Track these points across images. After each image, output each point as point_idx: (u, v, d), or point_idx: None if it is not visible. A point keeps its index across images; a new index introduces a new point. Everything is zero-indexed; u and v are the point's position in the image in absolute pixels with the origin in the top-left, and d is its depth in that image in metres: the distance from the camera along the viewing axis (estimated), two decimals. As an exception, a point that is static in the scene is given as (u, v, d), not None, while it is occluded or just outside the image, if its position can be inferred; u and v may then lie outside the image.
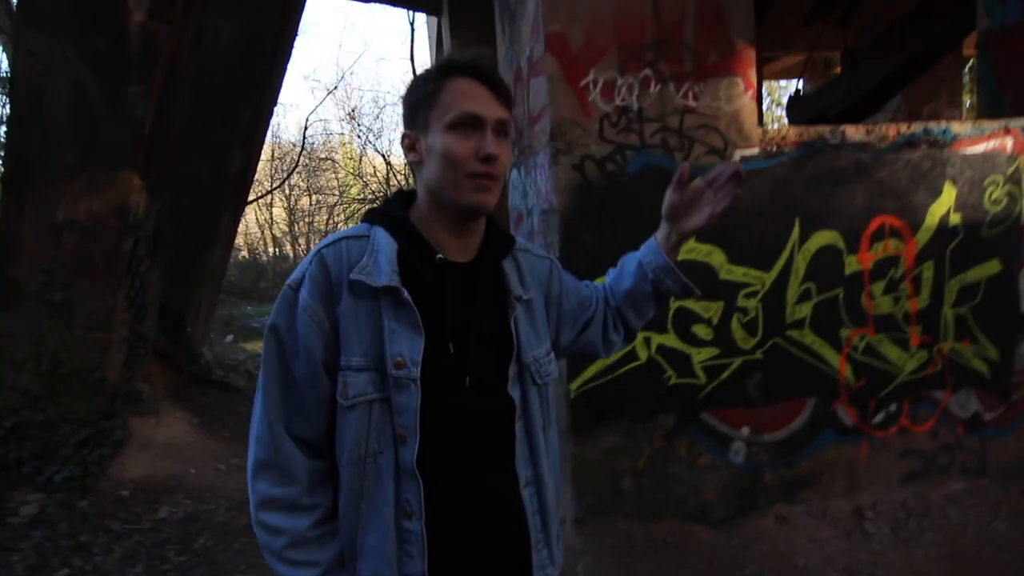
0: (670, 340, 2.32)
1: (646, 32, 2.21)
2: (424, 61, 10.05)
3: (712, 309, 2.33)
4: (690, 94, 2.25)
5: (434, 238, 0.87)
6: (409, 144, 0.89)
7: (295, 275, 0.86)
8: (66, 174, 3.54)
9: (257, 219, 15.78)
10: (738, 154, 2.28)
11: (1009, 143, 2.46)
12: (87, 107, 3.52)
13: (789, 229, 2.35)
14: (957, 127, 2.43)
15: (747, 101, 2.29)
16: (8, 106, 3.57)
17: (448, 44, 5.69)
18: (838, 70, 7.58)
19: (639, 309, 1.10)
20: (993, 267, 2.50)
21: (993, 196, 2.47)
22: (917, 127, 2.39)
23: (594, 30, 2.18)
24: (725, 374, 2.36)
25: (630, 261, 1.09)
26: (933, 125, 2.41)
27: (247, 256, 15.67)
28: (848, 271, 2.40)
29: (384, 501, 0.83)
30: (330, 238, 0.88)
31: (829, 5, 5.81)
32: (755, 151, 2.29)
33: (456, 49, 5.26)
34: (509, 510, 0.92)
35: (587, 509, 2.31)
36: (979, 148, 2.44)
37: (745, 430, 2.39)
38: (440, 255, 0.86)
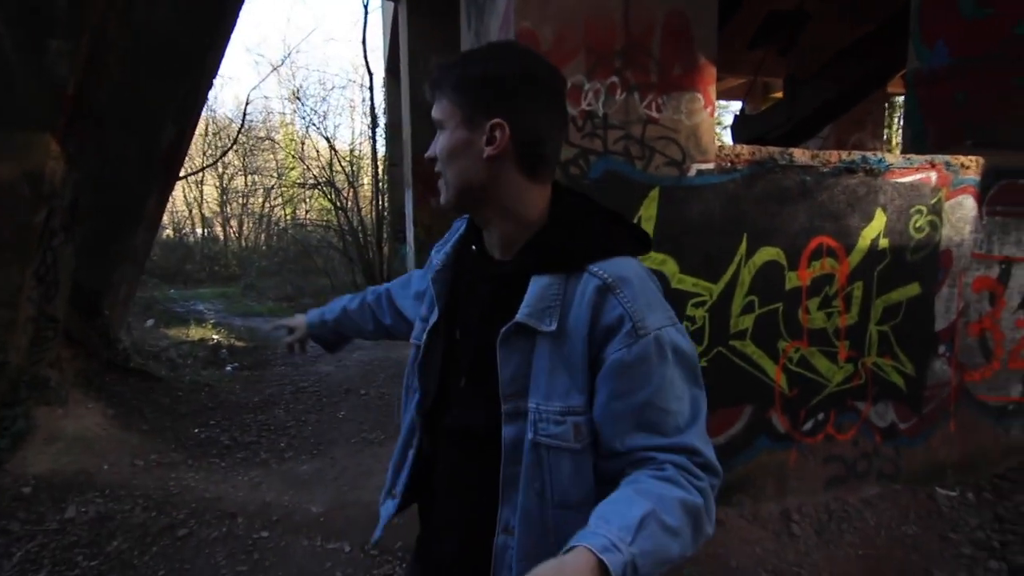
0: (621, 345, 2.35)
1: (616, 39, 2.23)
2: (376, 45, 9.78)
3: (663, 317, 2.39)
4: (653, 105, 2.29)
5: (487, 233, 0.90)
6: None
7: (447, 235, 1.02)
8: (-30, 134, 3.17)
9: (185, 197, 14.83)
10: (695, 167, 2.35)
11: (934, 176, 2.67)
12: (2, 60, 3.17)
13: (737, 243, 2.45)
14: (891, 158, 2.61)
15: (706, 116, 2.36)
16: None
17: (405, 31, 5.55)
18: (776, 95, 8.04)
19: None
20: (914, 289, 2.71)
21: (917, 224, 2.67)
22: (856, 155, 2.55)
23: (565, 31, 2.18)
24: (672, 380, 2.42)
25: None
26: (871, 154, 2.58)
27: (173, 236, 14.69)
28: (788, 286, 2.53)
29: (408, 424, 0.99)
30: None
31: (771, 34, 6.15)
32: (711, 165, 2.37)
33: (419, 40, 5.13)
34: (479, 540, 0.82)
35: None
36: (907, 179, 2.63)
37: (687, 435, 2.46)
38: (475, 246, 0.90)
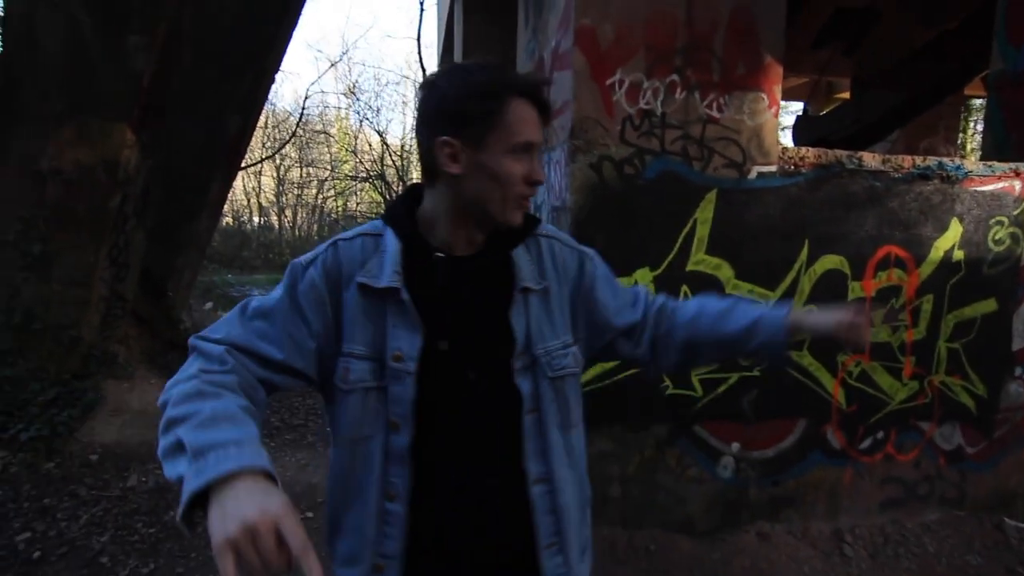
0: (670, 350, 2.30)
1: (677, 37, 2.18)
2: (431, 41, 9.91)
3: (715, 322, 2.32)
4: (715, 105, 2.23)
5: (439, 235, 0.90)
6: (451, 154, 0.84)
7: (307, 256, 0.90)
8: (55, 121, 3.39)
9: (244, 186, 15.47)
10: (756, 170, 2.27)
11: (1018, 185, 2.49)
12: (84, 52, 3.37)
13: (798, 250, 2.35)
14: (970, 165, 2.45)
15: (770, 117, 2.28)
16: (1, 44, 3.40)
17: (460, 27, 5.59)
18: (841, 96, 7.68)
19: (713, 354, 1.05)
20: (990, 305, 2.53)
21: (997, 236, 2.50)
22: (932, 161, 2.40)
23: (625, 29, 2.14)
24: (721, 388, 2.35)
25: (745, 314, 1.01)
26: (947, 160, 2.43)
27: (232, 223, 15.34)
28: (851, 296, 2.41)
29: (370, 483, 0.87)
30: (349, 232, 0.92)
31: (837, 32, 5.86)
32: (773, 168, 2.28)
33: (474, 38, 5.15)
34: (511, 507, 0.90)
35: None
36: (988, 187, 2.47)
37: (735, 445, 2.40)
38: (440, 253, 0.89)
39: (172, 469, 0.70)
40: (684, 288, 2.27)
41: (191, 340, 0.85)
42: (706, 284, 2.28)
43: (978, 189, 2.46)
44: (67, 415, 3.30)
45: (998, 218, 2.50)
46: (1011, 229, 2.52)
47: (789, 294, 2.35)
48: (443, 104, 0.84)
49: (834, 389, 2.44)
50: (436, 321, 0.87)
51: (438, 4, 8.26)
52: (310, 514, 2.79)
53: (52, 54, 3.36)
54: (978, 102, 9.06)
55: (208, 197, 5.14)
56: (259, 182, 15.93)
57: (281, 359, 0.84)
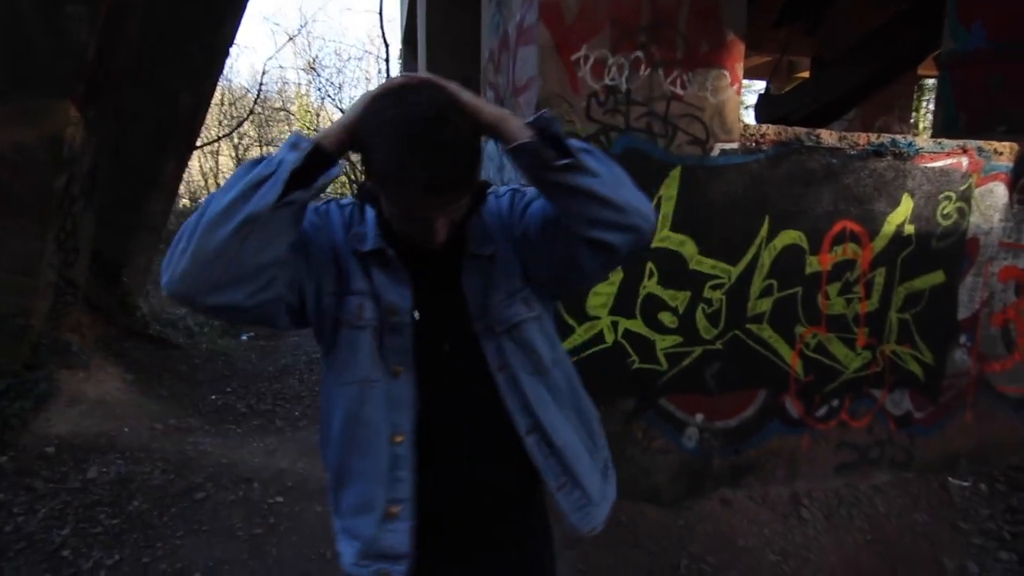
0: (636, 326, 2.35)
1: (641, 13, 2.17)
2: (393, 16, 9.64)
3: (679, 298, 2.37)
4: (678, 82, 2.24)
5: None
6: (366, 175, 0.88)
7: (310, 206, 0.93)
8: (-9, 99, 3.18)
9: (201, 167, 14.88)
10: (719, 147, 2.30)
11: (965, 161, 2.59)
12: (20, 25, 3.16)
13: (759, 225, 2.41)
14: (921, 142, 2.53)
15: (732, 95, 2.31)
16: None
17: (423, 3, 5.45)
18: (802, 75, 7.82)
19: (553, 204, 0.88)
20: (938, 277, 2.65)
21: (945, 210, 2.61)
22: (886, 138, 2.48)
23: (589, 4, 2.12)
24: (686, 361, 2.41)
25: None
26: (900, 138, 2.51)
27: (189, 205, 14.79)
28: (808, 271, 2.49)
29: (379, 424, 0.89)
30: (343, 200, 0.98)
31: (797, 12, 5.95)
32: (735, 145, 2.32)
33: (438, 12, 4.99)
34: (512, 461, 0.94)
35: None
36: (937, 164, 2.56)
37: (699, 417, 2.47)
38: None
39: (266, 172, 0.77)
40: (650, 264, 2.30)
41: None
42: (671, 260, 2.32)
43: (928, 165, 2.56)
44: (19, 407, 3.17)
45: (946, 193, 2.60)
46: (958, 204, 2.63)
47: (750, 269, 2.41)
48: (369, 123, 0.90)
49: (792, 360, 2.53)
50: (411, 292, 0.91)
51: (400, -23, 8.02)
52: (280, 499, 2.77)
53: (-17, 25, 3.14)
54: (930, 81, 9.35)
55: (162, 177, 4.94)
56: (216, 162, 15.35)
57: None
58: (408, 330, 0.89)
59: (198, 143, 8.57)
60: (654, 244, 2.30)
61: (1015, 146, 2.68)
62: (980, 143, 2.63)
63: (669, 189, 2.28)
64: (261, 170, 0.77)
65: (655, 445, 2.43)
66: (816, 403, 2.60)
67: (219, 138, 12.28)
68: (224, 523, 2.54)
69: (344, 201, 0.98)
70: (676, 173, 2.28)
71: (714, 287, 2.40)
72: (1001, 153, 2.66)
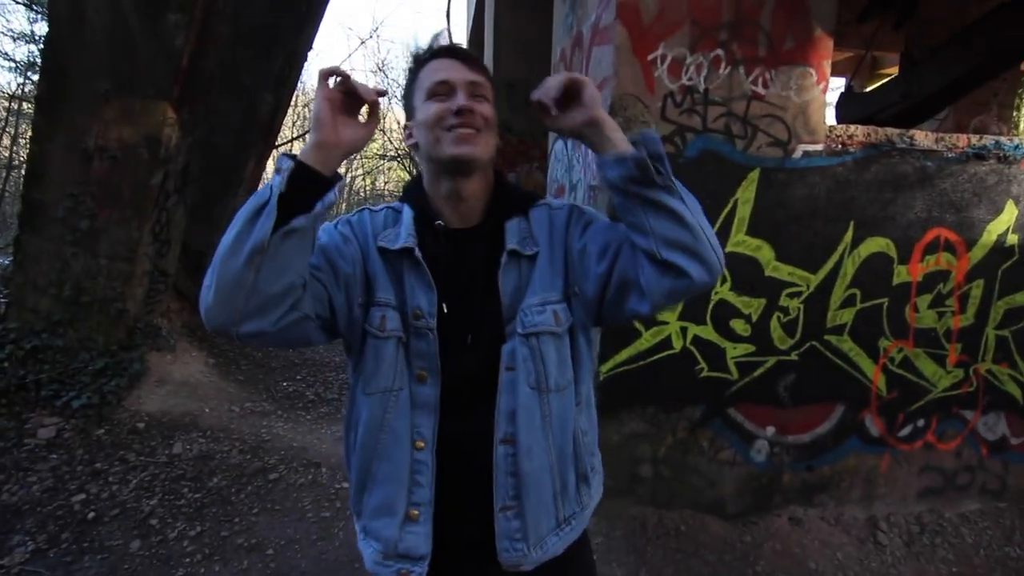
0: (706, 332, 2.28)
1: (722, 10, 2.10)
2: (461, 19, 9.78)
3: (753, 306, 2.29)
4: (760, 80, 2.16)
5: (437, 208, 0.95)
6: (408, 133, 0.97)
7: (336, 220, 0.97)
8: (100, 100, 3.48)
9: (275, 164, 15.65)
10: (801, 148, 2.20)
11: (1082, 166, 2.36)
12: (125, 32, 3.43)
13: (843, 231, 2.29)
14: (1031, 143, 2.33)
15: (818, 94, 2.20)
16: (48, 24, 3.47)
17: (491, 6, 5.50)
18: (887, 71, 7.34)
19: (631, 219, 0.86)
20: (1045, 292, 2.44)
21: (1056, 219, 2.39)
22: (989, 140, 2.29)
23: (669, 2, 2.08)
24: (758, 372, 2.32)
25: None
26: (1005, 139, 2.31)
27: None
28: (896, 281, 2.35)
29: (402, 432, 0.90)
30: (377, 207, 1.00)
31: (885, 5, 5.58)
32: (819, 147, 2.21)
33: (506, 13, 5.06)
34: (480, 464, 0.92)
35: (604, 491, 2.31)
36: (1049, 168, 2.35)
37: (770, 430, 2.37)
38: (440, 222, 0.93)
39: (263, 210, 0.77)
40: (723, 271, 2.23)
41: None
42: (745, 266, 2.24)
43: (1038, 170, 2.35)
44: (115, 384, 3.45)
45: (1058, 201, 2.38)
46: (1072, 212, 2.40)
47: (832, 277, 2.29)
48: (401, 99, 1.03)
49: (874, 375, 2.39)
50: (440, 285, 0.92)
51: (469, -21, 8.12)
52: (345, 484, 2.88)
53: (96, 33, 3.43)
54: (1035, 78, 8.55)
55: (244, 174, 5.23)
56: (290, 160, 16.10)
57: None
58: (432, 335, 0.90)
59: (276, 142, 9.02)
60: (729, 248, 2.22)
61: None
62: (1100, 146, 2.39)
63: (746, 192, 2.20)
64: (257, 199, 0.78)
65: (721, 456, 2.36)
66: (900, 422, 2.44)
67: (295, 138, 12.87)
68: (295, 504, 2.67)
69: (378, 207, 1.00)
70: (754, 175, 2.20)
71: (791, 295, 2.30)
72: (1126, 157, 2.41)
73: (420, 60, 0.96)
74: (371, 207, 0.99)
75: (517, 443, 0.90)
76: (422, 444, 0.90)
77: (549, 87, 0.87)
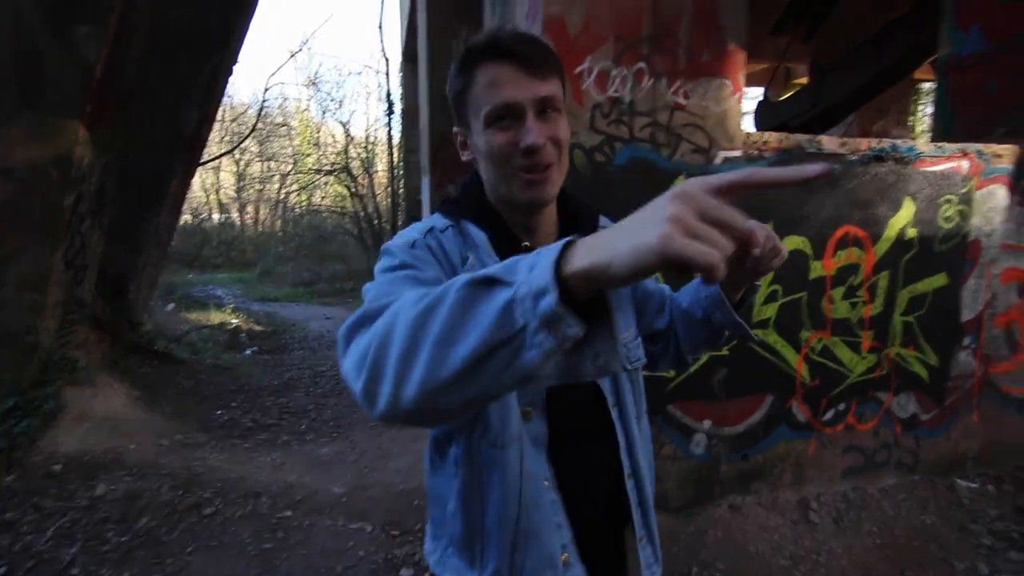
0: (643, 333, 2.36)
1: (643, 25, 2.21)
2: (394, 30, 9.75)
3: (685, 305, 2.39)
4: (681, 92, 2.27)
5: (513, 226, 0.86)
6: (461, 142, 0.86)
7: (399, 239, 0.81)
8: (4, 119, 3.23)
9: (203, 183, 14.97)
10: (721, 155, 2.33)
11: (965, 165, 2.62)
12: (31, 44, 3.21)
13: (762, 232, 2.43)
14: (921, 146, 2.56)
15: (734, 103, 2.34)
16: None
17: (424, 16, 5.51)
18: (800, 81, 7.89)
19: (689, 332, 0.97)
20: (940, 280, 2.67)
21: (946, 214, 2.63)
22: (887, 143, 2.50)
23: (592, 17, 2.16)
24: (693, 368, 2.42)
25: (693, 284, 0.98)
26: (901, 142, 2.53)
27: (191, 221, 14.86)
28: (812, 275, 2.51)
29: (538, 474, 0.82)
30: (437, 222, 0.84)
31: (795, 19, 6.02)
32: (738, 153, 2.34)
33: (437, 28, 5.06)
34: (613, 502, 0.89)
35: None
36: (938, 168, 2.59)
37: (707, 423, 2.48)
38: (526, 243, 0.84)
39: (485, 305, 0.52)
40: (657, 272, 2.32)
41: (341, 333, 0.65)
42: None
43: (929, 169, 2.58)
44: (26, 425, 3.18)
45: (947, 197, 2.63)
46: (959, 207, 2.66)
47: (755, 275, 2.43)
48: (448, 94, 0.84)
49: (798, 365, 2.54)
50: None
51: (399, -8, 8.11)
52: (289, 512, 2.77)
53: (-6, 47, 3.19)
54: (927, 85, 9.42)
55: (167, 192, 4.98)
56: (218, 178, 15.44)
57: None
58: None
59: (202, 158, 8.62)
60: (659, 252, 2.31)
61: (1015, 148, 2.71)
62: (980, 146, 2.66)
63: (673, 197, 2.30)
64: (492, 330, 0.51)
65: (664, 452, 2.44)
66: (823, 407, 2.61)
67: (222, 154, 12.36)
68: (234, 538, 2.54)
69: (440, 225, 0.84)
70: (680, 181, 2.30)
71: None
72: (1001, 156, 2.69)
73: (473, 55, 0.78)
74: (434, 225, 0.83)
75: (639, 473, 0.90)
76: (547, 482, 0.83)
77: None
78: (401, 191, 10.15)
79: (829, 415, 2.63)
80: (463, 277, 0.55)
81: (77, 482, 2.96)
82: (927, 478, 2.76)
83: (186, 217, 14.48)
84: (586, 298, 0.51)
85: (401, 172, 10.03)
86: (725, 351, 2.45)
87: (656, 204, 0.48)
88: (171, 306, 7.68)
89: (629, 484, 0.88)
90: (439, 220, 0.85)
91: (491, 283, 0.53)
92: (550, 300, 0.49)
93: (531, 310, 0.50)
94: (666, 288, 1.02)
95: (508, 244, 0.82)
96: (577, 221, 0.89)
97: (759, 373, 2.50)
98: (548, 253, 0.51)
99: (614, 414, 0.88)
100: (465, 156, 0.85)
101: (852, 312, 2.59)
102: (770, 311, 2.48)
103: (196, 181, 14.32)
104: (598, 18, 2.16)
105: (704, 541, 2.35)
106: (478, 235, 0.83)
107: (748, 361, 2.48)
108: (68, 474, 3.02)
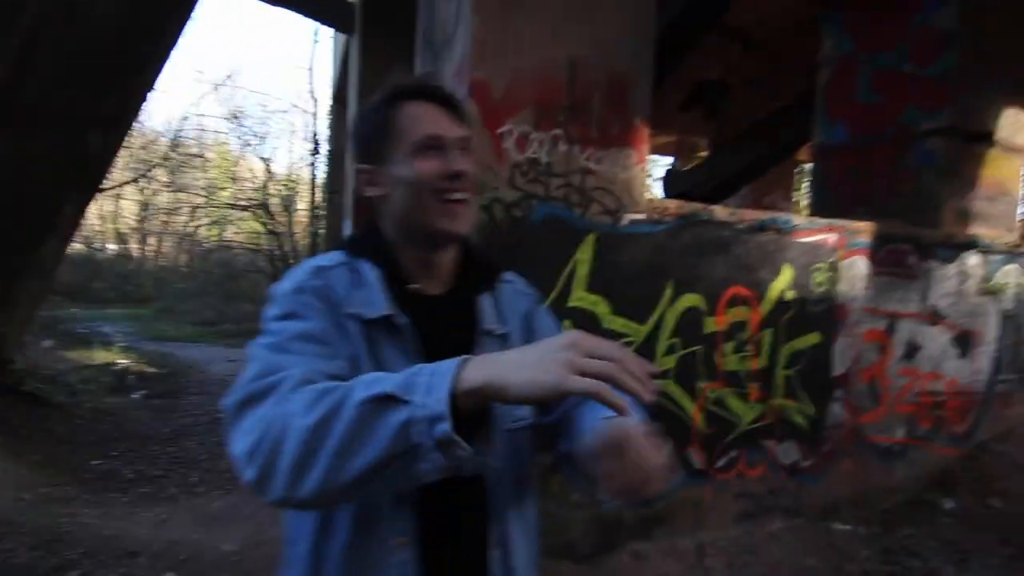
0: (554, 381, 2.45)
1: (561, 95, 2.41)
2: (325, 75, 9.79)
3: (594, 355, 2.51)
4: (593, 157, 2.48)
5: (406, 268, 0.86)
6: (368, 180, 0.86)
7: (287, 283, 0.81)
8: None
9: (100, 210, 13.87)
10: (628, 217, 2.54)
11: (832, 238, 3.01)
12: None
13: (663, 289, 2.64)
14: (797, 219, 2.92)
15: (638, 172, 2.57)
16: None
17: (357, 65, 5.63)
18: (703, 153, 8.72)
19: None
20: (815, 338, 3.00)
21: (818, 279, 2.99)
22: (767, 216, 2.84)
23: (515, 84, 2.33)
24: (600, 416, 2.53)
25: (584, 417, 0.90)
26: (780, 216, 2.88)
27: (83, 250, 13.62)
28: (707, 330, 2.74)
29: (383, 531, 0.78)
30: (324, 259, 0.84)
31: (698, 100, 6.75)
32: (642, 216, 2.56)
33: (370, 77, 5.17)
34: (476, 571, 0.84)
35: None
36: (811, 238, 2.95)
37: (613, 470, 2.57)
38: (416, 286, 0.85)
39: (380, 424, 0.58)
40: (566, 323, 2.44)
41: (228, 407, 0.69)
42: (586, 318, 2.48)
43: (803, 240, 2.94)
44: None
45: (818, 264, 2.99)
46: (828, 273, 3.03)
47: (656, 328, 2.62)
48: (353, 134, 0.88)
49: (694, 413, 2.73)
50: (420, 358, 0.79)
51: (334, 40, 8.22)
52: (171, 574, 2.53)
53: None
54: (809, 166, 10.74)
55: (59, 218, 4.58)
56: (117, 206, 14.38)
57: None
58: None
59: (103, 186, 8.04)
60: (571, 303, 2.45)
61: (872, 225, 3.14)
62: (845, 222, 3.07)
63: (584, 253, 2.47)
64: (389, 447, 0.59)
65: (571, 499, 2.50)
66: (717, 454, 2.79)
67: (125, 182, 11.59)
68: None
69: (330, 263, 0.84)
70: (591, 239, 2.48)
71: (625, 344, 2.57)
72: (861, 231, 3.11)
73: (395, 97, 0.83)
74: (321, 263, 0.83)
75: (507, 543, 0.85)
76: (404, 540, 0.78)
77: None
78: (322, 231, 9.94)
79: (723, 462, 2.82)
80: (359, 391, 0.60)
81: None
82: (809, 521, 2.99)
83: (78, 246, 13.28)
84: (472, 409, 0.59)
85: (323, 212, 9.86)
86: (630, 400, 2.59)
87: (550, 345, 0.59)
88: (49, 343, 6.93)
89: (495, 555, 0.84)
90: (332, 257, 0.85)
91: (388, 401, 0.59)
92: (444, 427, 0.57)
93: (426, 432, 0.57)
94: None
95: (399, 285, 0.84)
96: (479, 273, 0.91)
97: (660, 421, 2.65)
98: (444, 375, 0.59)
99: (490, 476, 0.84)
100: (370, 192, 0.85)
101: (741, 365, 2.83)
102: (670, 362, 2.67)
103: (91, 208, 13.26)
104: (520, 85, 2.34)
105: (608, 588, 2.40)
106: (370, 273, 0.83)
107: (651, 410, 2.62)
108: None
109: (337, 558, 0.79)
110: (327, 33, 9.32)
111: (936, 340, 3.37)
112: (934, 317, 3.35)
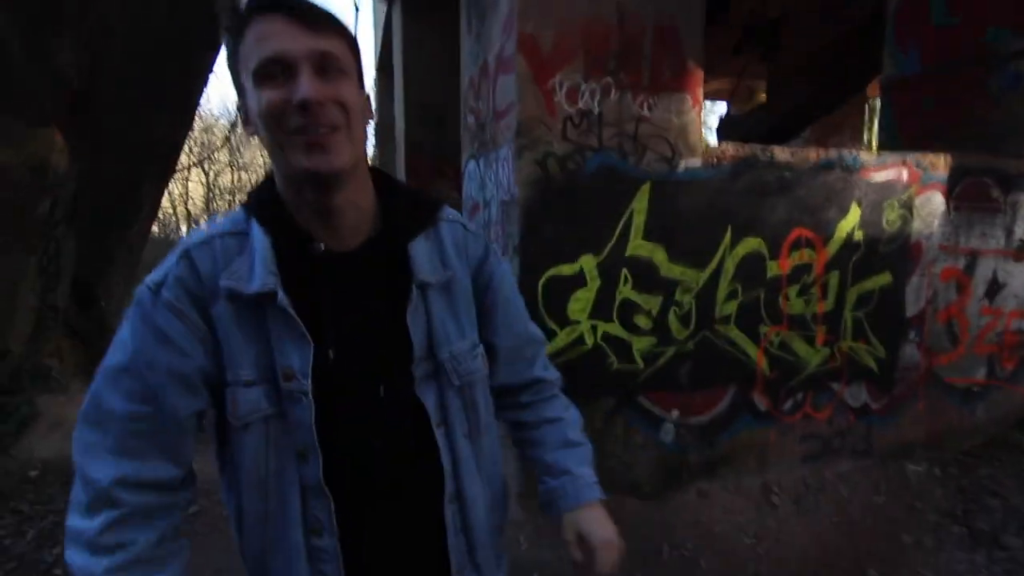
0: (614, 328, 2.51)
1: (610, 43, 2.38)
2: (367, 44, 9.85)
3: (652, 302, 2.55)
4: (645, 105, 2.45)
5: (304, 224, 0.74)
6: (244, 119, 0.73)
7: (155, 276, 0.73)
8: (-25, 124, 3.22)
9: (170, 193, 14.72)
10: (683, 163, 2.51)
11: (905, 173, 2.86)
12: (2, 50, 3.22)
13: (722, 235, 2.61)
14: (865, 156, 2.79)
15: (693, 116, 2.52)
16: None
17: (399, 31, 5.65)
18: (761, 97, 8.28)
19: (522, 445, 1.02)
20: (886, 278, 2.90)
21: (889, 217, 2.86)
22: (833, 153, 2.73)
23: (563, 35, 2.32)
24: (660, 361, 2.58)
25: (566, 459, 0.97)
26: (846, 152, 2.76)
27: (158, 232, 14.58)
28: (769, 275, 2.71)
29: (290, 521, 0.75)
30: (201, 234, 0.75)
31: (753, 42, 6.38)
32: (698, 162, 2.53)
33: (413, 41, 5.19)
34: (431, 528, 0.83)
35: (530, 483, 2.45)
36: (881, 175, 2.82)
37: (675, 413, 2.63)
38: (320, 244, 0.74)
39: None
40: (624, 271, 2.48)
41: (70, 527, 0.74)
42: (644, 267, 2.50)
43: (873, 177, 2.82)
44: (1, 431, 3.15)
45: (890, 202, 2.86)
46: (901, 211, 2.90)
47: (716, 274, 2.61)
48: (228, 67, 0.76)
49: (758, 357, 2.73)
50: (323, 327, 0.73)
51: (374, 6, 8.23)
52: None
53: (-32, 53, 3.19)
54: (879, 102, 9.99)
55: (142, 201, 4.96)
56: (187, 188, 15.21)
57: (185, 416, 0.72)
58: (307, 400, 0.72)
59: (176, 167, 8.54)
60: (629, 252, 2.48)
61: (948, 158, 2.97)
62: (917, 156, 2.91)
63: (640, 202, 2.47)
64: None
65: (635, 441, 2.58)
66: (782, 397, 2.80)
67: (191, 165, 12.22)
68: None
69: (207, 235, 0.74)
70: (646, 188, 2.47)
71: (684, 291, 2.59)
72: (936, 165, 2.94)
73: (243, 18, 0.69)
74: (194, 242, 0.73)
75: (463, 498, 0.84)
76: (319, 529, 0.76)
77: None
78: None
79: (788, 405, 2.82)
80: None
81: (55, 486, 2.95)
82: (879, 462, 2.97)
83: (154, 228, 14.23)
84: None
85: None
86: (691, 345, 2.62)
87: None
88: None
89: (450, 510, 0.83)
90: (223, 224, 0.75)
91: None
92: None
93: None
94: (539, 340, 0.98)
95: (296, 246, 0.73)
96: (407, 216, 0.80)
97: (722, 366, 2.68)
98: None
99: (438, 435, 0.81)
100: (248, 131, 0.72)
101: (806, 308, 2.79)
102: (731, 308, 2.66)
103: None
104: (569, 35, 2.32)
105: (673, 524, 2.50)
106: (261, 240, 0.72)
107: (712, 355, 2.65)
108: (46, 478, 3.01)
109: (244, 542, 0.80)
110: (367, 1, 9.33)
111: (1021, 277, 3.18)
112: (1019, 253, 3.15)
